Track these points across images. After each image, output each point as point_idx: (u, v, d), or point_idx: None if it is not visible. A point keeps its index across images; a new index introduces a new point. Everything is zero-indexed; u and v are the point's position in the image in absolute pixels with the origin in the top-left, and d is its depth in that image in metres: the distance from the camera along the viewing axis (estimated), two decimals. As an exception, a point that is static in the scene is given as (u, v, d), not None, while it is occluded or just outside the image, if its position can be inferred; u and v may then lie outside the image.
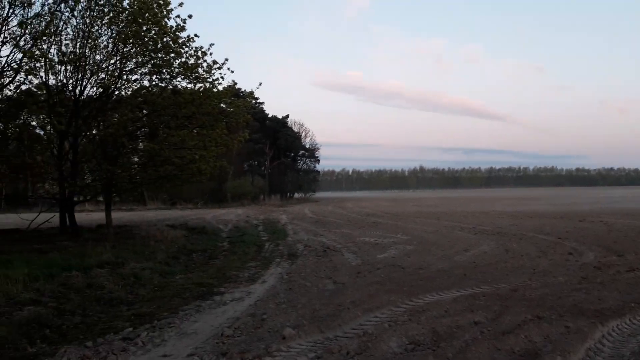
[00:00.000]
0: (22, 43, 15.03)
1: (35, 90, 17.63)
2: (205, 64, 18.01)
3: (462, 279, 10.59)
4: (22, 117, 18.98)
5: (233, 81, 20.18)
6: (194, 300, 9.22)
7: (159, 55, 17.58)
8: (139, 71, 18.19)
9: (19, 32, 15.05)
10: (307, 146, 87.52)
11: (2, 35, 14.93)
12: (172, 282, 11.01)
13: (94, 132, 18.85)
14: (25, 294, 8.82)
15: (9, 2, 14.88)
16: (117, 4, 16.80)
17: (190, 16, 17.41)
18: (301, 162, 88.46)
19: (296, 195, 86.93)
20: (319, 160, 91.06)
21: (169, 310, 8.39)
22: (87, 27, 16.85)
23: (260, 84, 25.83)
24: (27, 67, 15.19)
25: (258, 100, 69.80)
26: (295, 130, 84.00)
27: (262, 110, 75.25)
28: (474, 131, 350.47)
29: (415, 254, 14.60)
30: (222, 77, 18.78)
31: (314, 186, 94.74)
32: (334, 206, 54.24)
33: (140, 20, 16.65)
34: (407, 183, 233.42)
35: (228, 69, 18.67)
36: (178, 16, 17.23)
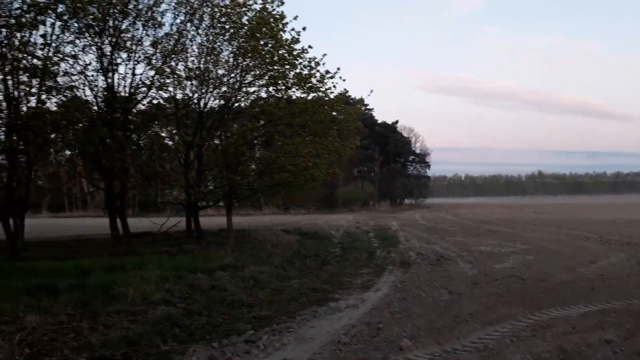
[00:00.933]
0: (153, 61, 16.37)
1: (164, 104, 19.09)
2: (318, 74, 18.49)
3: (588, 292, 9.89)
4: (153, 129, 20.66)
5: (345, 89, 20.50)
6: (310, 305, 9.45)
7: (275, 67, 18.32)
8: (257, 83, 19.07)
9: (151, 51, 16.41)
10: (417, 151, 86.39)
11: (137, 55, 16.35)
12: (289, 286, 11.37)
13: (216, 142, 20.03)
14: (157, 294, 9.54)
15: (142, 24, 16.27)
16: (237, 20, 17.75)
17: (304, 28, 17.98)
18: (411, 168, 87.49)
19: (406, 201, 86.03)
20: (429, 166, 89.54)
21: (287, 315, 8.67)
22: (210, 43, 17.99)
23: (371, 91, 25.96)
24: (159, 83, 16.51)
25: (367, 107, 70.10)
26: (405, 135, 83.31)
27: (372, 116, 75.46)
28: (597, 133, 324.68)
29: (535, 264, 13.86)
30: (334, 86, 19.16)
31: (425, 192, 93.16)
32: (446, 213, 53.00)
33: (258, 34, 17.46)
34: (524, 189, 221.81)
35: (340, 77, 19.00)
36: (293, 29, 17.85)
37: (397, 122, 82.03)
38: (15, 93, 14.05)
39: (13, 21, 13.31)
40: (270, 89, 19.11)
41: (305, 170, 18.76)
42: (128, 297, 9.06)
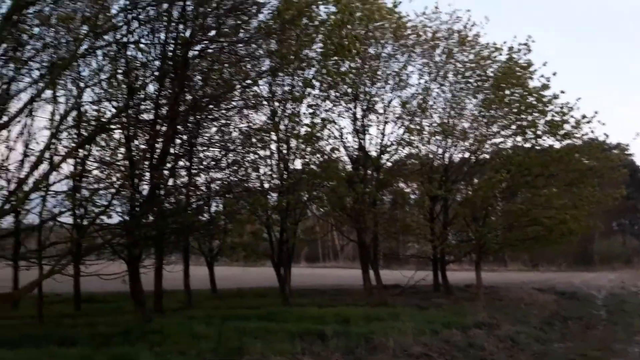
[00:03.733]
0: (402, 120, 17.35)
1: (409, 160, 19.84)
2: (572, 120, 17.27)
3: None
4: (398, 184, 21.51)
5: (605, 134, 18.62)
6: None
7: (523, 116, 17.70)
8: (503, 133, 18.61)
9: (399, 112, 17.45)
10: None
11: (386, 116, 17.54)
12: (552, 350, 10.51)
13: (461, 194, 19.96)
14: (416, 347, 9.67)
15: (391, 88, 17.46)
16: (482, 73, 17.79)
17: (554, 74, 17.13)
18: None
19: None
20: None
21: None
22: (454, 98, 18.31)
23: (638, 134, 22.87)
24: (406, 141, 17.35)
25: (628, 151, 62.20)
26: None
27: (632, 162, 66.60)
28: None
29: None
30: (592, 132, 17.64)
31: None
32: None
33: (504, 85, 17.18)
34: None
35: (598, 121, 17.44)
36: (542, 75, 17.15)
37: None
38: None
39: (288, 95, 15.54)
40: (518, 138, 18.43)
41: (562, 223, 17.37)
42: (389, 347, 9.38)
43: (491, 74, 17.80)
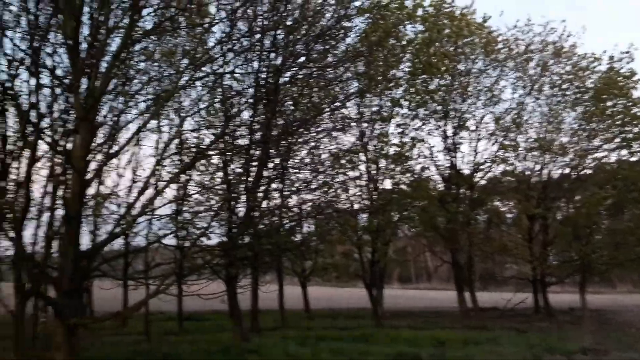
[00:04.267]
0: (495, 137, 16.85)
1: (504, 177, 19.16)
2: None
3: None
4: (493, 203, 20.80)
5: None
6: None
7: (627, 128, 16.63)
8: (606, 147, 17.56)
9: (492, 128, 16.98)
10: None
11: (478, 133, 17.13)
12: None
13: (563, 212, 18.97)
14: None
15: (482, 104, 17.05)
16: (581, 85, 16.96)
17: (662, 81, 15.98)
18: None
19: None
20: None
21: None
22: (551, 112, 17.54)
23: None
24: (501, 158, 16.82)
25: None
26: None
27: None
28: None
29: None
30: None
31: None
32: None
33: (605, 96, 16.26)
34: None
35: None
36: (647, 84, 16.07)
37: None
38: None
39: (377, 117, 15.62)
40: (623, 151, 17.30)
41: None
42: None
43: (591, 85, 16.94)
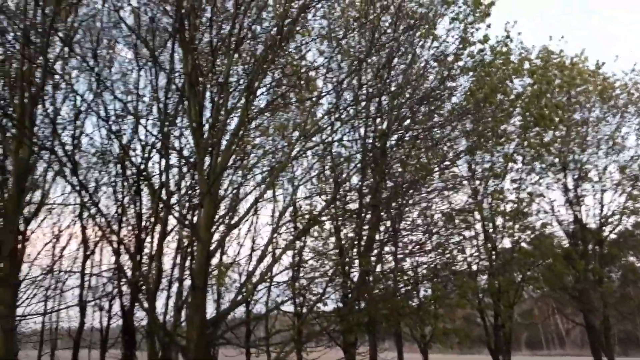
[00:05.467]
0: (622, 187, 15.69)
1: (632, 229, 17.58)
2: None
3: None
4: (627, 258, 19.03)
5: None
6: None
7: None
8: None
9: (617, 178, 15.89)
10: None
11: (604, 184, 16.06)
12: None
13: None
14: None
15: (604, 153, 16.05)
16: None
17: None
18: None
19: None
20: None
21: None
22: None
23: None
24: (631, 208, 15.60)
25: None
26: None
27: None
28: None
29: None
30: None
31: None
32: None
33: None
34: None
35: None
36: None
37: None
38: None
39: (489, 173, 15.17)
40: None
41: None
42: None
43: None
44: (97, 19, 9.82)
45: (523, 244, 15.48)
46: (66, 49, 9.33)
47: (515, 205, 14.91)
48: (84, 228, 11.81)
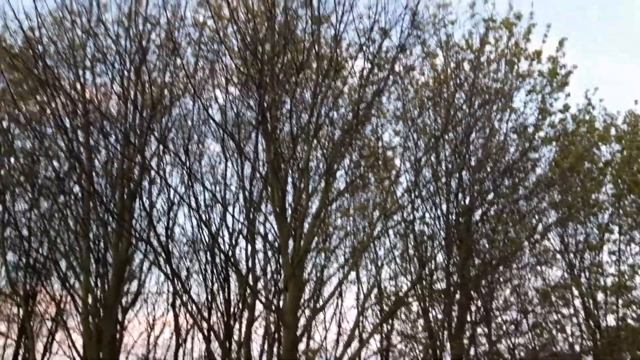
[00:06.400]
0: None
1: None
2: None
3: None
4: None
5: None
6: None
7: None
8: None
9: None
10: None
11: None
12: None
13: None
14: None
15: None
16: None
17: None
18: None
19: None
20: None
21: None
22: None
23: None
24: None
25: None
26: None
27: None
28: None
29: None
30: None
31: None
32: None
33: None
34: None
35: None
36: None
37: None
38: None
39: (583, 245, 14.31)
40: None
41: None
42: None
43: None
44: (188, 117, 10.58)
45: (629, 321, 14.17)
46: (161, 147, 10.09)
47: (617, 279, 13.82)
48: (176, 316, 12.16)
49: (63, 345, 12.17)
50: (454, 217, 12.21)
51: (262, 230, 10.60)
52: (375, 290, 12.35)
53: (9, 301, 12.27)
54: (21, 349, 12.15)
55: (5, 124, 11.14)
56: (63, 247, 9.98)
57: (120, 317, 10.45)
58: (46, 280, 11.56)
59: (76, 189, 10.50)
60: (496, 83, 12.32)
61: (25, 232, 10.88)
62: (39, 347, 11.98)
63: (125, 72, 10.04)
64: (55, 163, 10.66)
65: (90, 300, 9.61)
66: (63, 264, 10.33)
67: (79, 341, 11.18)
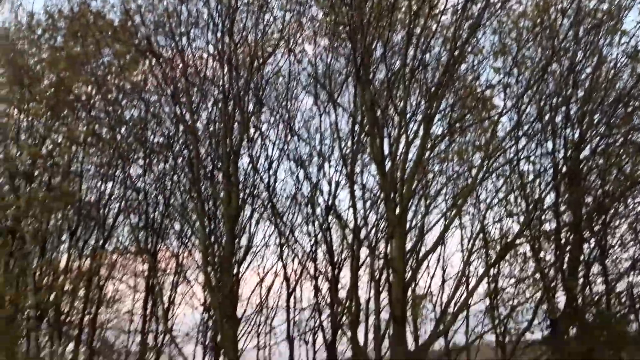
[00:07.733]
0: None
1: None
2: None
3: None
4: None
5: None
6: None
7: None
8: None
9: None
10: None
11: None
12: None
13: None
14: None
15: None
16: None
17: None
18: None
19: None
20: None
21: None
22: None
23: None
24: None
25: None
26: None
27: None
28: None
29: None
30: None
31: None
32: None
33: None
34: None
35: None
36: None
37: None
38: None
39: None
40: None
41: None
42: None
43: None
44: (280, 74, 10.68)
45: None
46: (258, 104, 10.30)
47: None
48: (284, 267, 12.59)
49: (186, 297, 13.12)
50: (561, 154, 11.54)
51: (359, 180, 10.63)
52: (480, 235, 12.04)
53: (136, 258, 13.26)
54: (149, 301, 13.20)
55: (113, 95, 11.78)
56: (178, 207, 10.57)
57: (235, 270, 10.98)
58: (165, 238, 12.39)
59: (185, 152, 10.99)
60: (604, 4, 11.25)
61: (142, 195, 11.63)
62: (164, 299, 12.93)
63: (219, 34, 10.21)
64: (163, 129, 11.20)
65: (208, 256, 10.16)
66: (178, 223, 10.97)
67: (199, 293, 12.00)
